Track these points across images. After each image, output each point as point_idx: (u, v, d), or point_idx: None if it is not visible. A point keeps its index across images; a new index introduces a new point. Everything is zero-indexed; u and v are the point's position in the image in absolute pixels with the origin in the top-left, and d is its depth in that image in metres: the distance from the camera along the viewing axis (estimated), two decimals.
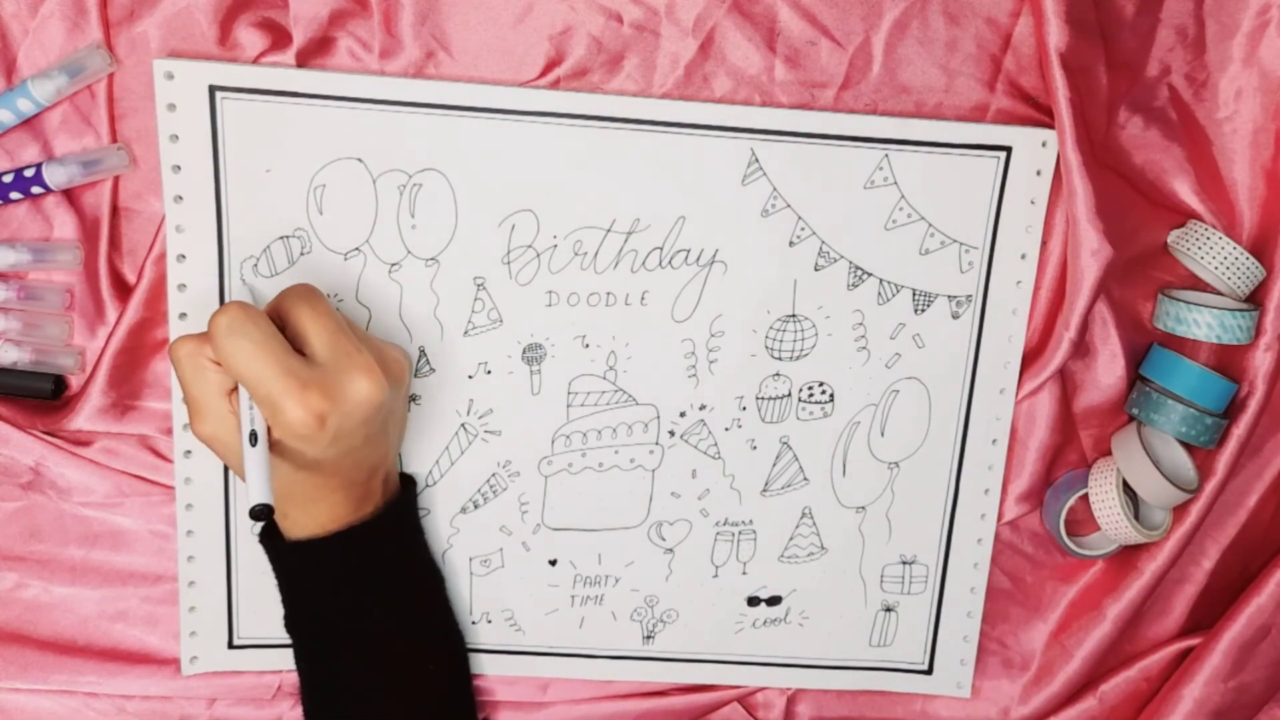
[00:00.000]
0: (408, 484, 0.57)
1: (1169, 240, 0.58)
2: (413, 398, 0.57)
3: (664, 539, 0.61)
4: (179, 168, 0.53)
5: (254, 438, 0.46)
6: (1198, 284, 0.59)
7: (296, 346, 0.48)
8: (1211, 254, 0.56)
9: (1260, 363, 0.57)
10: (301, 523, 0.52)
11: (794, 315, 0.58)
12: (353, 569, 0.53)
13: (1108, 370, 0.59)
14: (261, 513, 0.45)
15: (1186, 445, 0.60)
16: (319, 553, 0.52)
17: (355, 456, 0.50)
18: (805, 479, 0.60)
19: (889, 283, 0.57)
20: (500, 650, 0.62)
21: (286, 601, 0.55)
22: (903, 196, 0.56)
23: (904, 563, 0.62)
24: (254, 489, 0.45)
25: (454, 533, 0.59)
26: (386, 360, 0.51)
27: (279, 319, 0.49)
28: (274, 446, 0.47)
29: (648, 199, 0.55)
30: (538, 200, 0.55)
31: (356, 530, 0.52)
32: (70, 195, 0.54)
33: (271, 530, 0.54)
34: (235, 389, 0.48)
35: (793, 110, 0.55)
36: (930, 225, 0.57)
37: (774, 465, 0.60)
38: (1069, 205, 0.54)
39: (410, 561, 0.57)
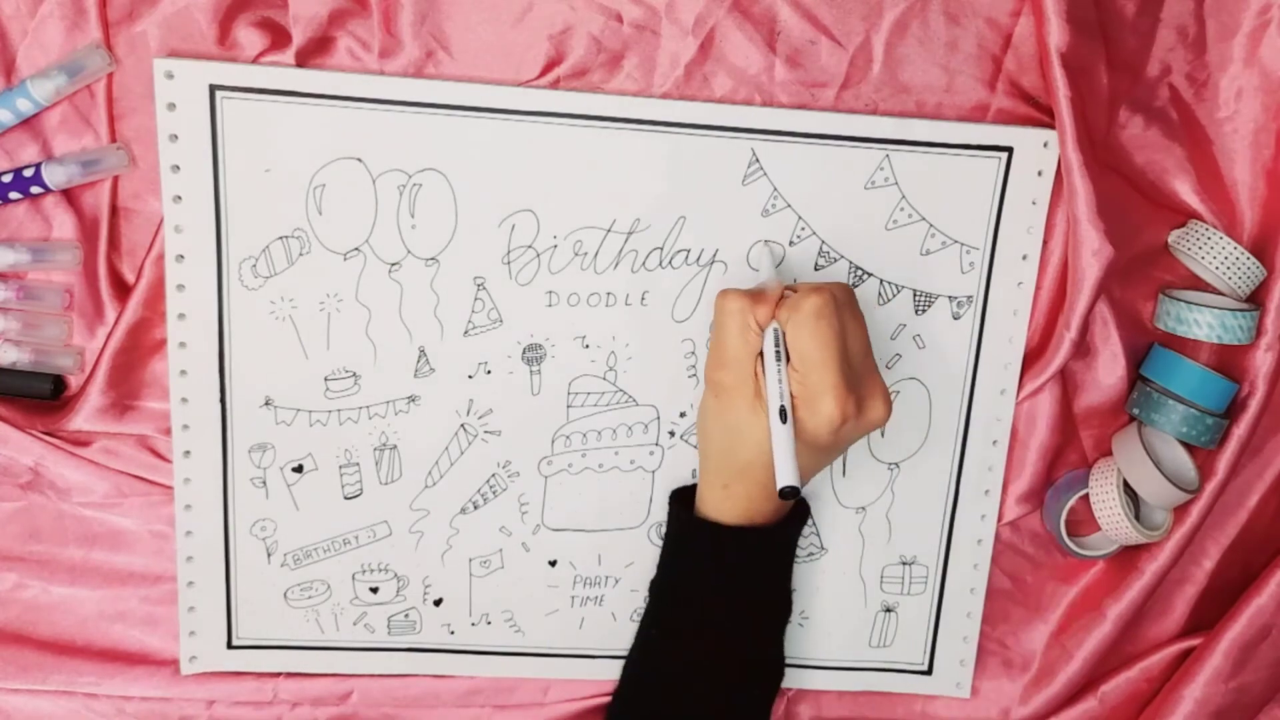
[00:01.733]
0: (804, 509, 0.58)
1: (1170, 240, 0.58)
2: (412, 398, 0.57)
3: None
4: (178, 167, 0.53)
5: (784, 414, 0.47)
6: (1198, 284, 0.59)
7: None
8: (1212, 254, 0.56)
9: (1261, 363, 0.57)
10: (722, 506, 0.53)
11: None
12: (732, 564, 0.54)
13: (1108, 370, 0.59)
14: (790, 494, 0.46)
15: (1187, 445, 0.60)
16: (718, 537, 0.53)
17: (817, 467, 0.52)
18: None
19: (890, 283, 0.57)
20: (500, 651, 0.62)
21: (664, 565, 0.57)
22: (904, 197, 0.56)
23: (904, 563, 0.62)
24: (783, 468, 0.46)
25: (454, 533, 0.59)
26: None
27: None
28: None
29: (648, 199, 0.55)
30: (538, 200, 0.55)
31: (759, 531, 0.53)
32: (69, 195, 0.54)
33: (682, 496, 0.57)
34: (761, 354, 0.49)
35: (793, 110, 0.55)
36: (931, 226, 0.57)
37: None
38: (1070, 205, 0.54)
39: (779, 582, 0.57)
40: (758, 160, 0.55)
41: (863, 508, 0.61)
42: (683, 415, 0.59)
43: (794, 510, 0.56)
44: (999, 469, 0.61)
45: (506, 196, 0.54)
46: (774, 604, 0.57)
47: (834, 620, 0.63)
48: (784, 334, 0.49)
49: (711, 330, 0.51)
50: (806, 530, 0.61)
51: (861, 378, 0.50)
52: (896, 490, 0.61)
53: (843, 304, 0.49)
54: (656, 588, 0.58)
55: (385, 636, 0.61)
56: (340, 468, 0.58)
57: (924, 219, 0.57)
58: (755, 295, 0.50)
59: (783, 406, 0.47)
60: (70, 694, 0.59)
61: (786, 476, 0.46)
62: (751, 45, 0.54)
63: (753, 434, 0.50)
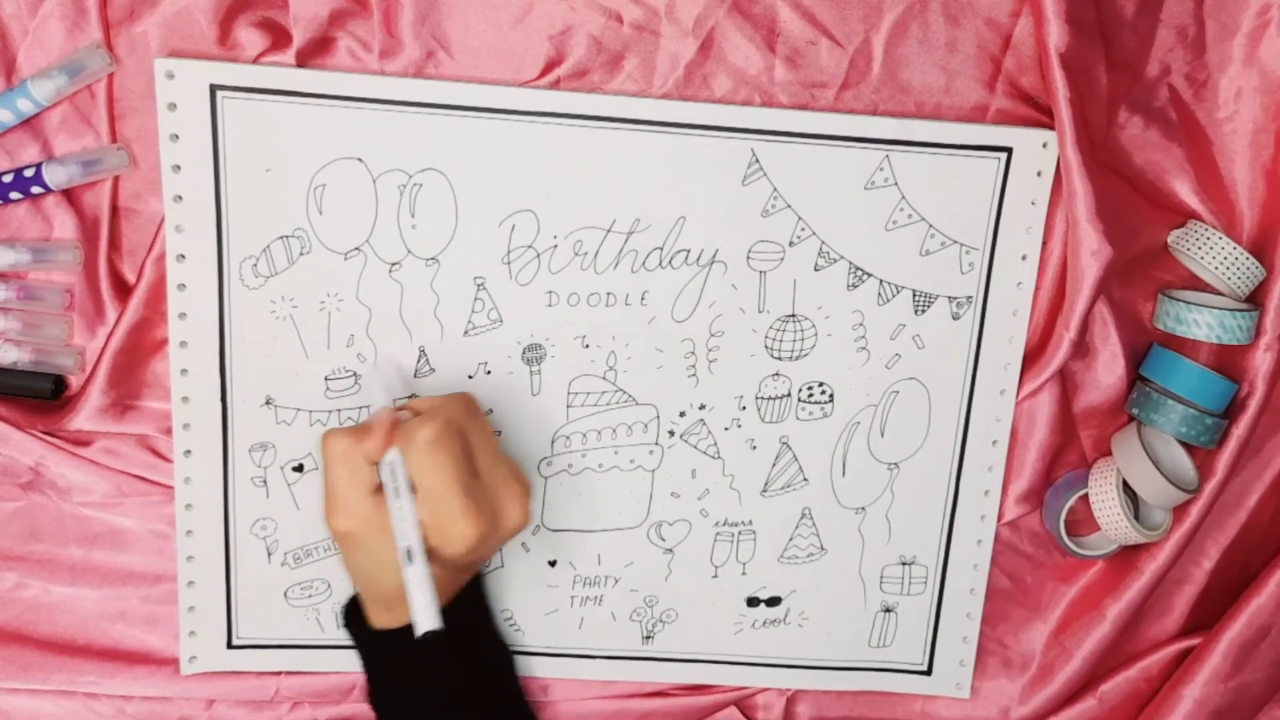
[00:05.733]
0: (477, 576, 0.57)
1: (1169, 240, 0.58)
2: (412, 398, 0.57)
3: (663, 539, 0.61)
4: (179, 167, 0.53)
5: (410, 555, 0.46)
6: (1198, 284, 0.59)
7: None
8: (1211, 254, 0.56)
9: (1260, 363, 0.57)
10: (391, 621, 0.51)
11: (794, 315, 0.58)
12: (428, 658, 0.52)
13: (1108, 370, 0.59)
14: (433, 639, 0.45)
15: (1186, 445, 0.60)
16: (402, 643, 0.51)
17: (474, 566, 0.53)
18: (805, 479, 0.60)
19: (889, 283, 0.57)
20: None
21: (370, 681, 0.55)
22: (903, 197, 0.56)
23: (903, 563, 0.62)
24: (421, 612, 0.45)
25: None
26: (524, 483, 0.51)
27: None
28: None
29: (648, 199, 0.55)
30: (538, 200, 0.55)
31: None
32: (70, 195, 0.54)
33: (353, 612, 0.54)
34: (380, 488, 0.48)
35: (793, 110, 0.55)
36: (931, 226, 0.57)
37: (773, 465, 0.60)
38: (1069, 205, 0.54)
39: (478, 647, 0.57)
40: (758, 160, 0.55)
41: (862, 508, 0.61)
42: (682, 415, 0.59)
43: (471, 581, 0.55)
44: (999, 469, 0.61)
45: (506, 196, 0.54)
46: (489, 663, 0.56)
47: (833, 620, 0.63)
48: (403, 461, 0.48)
49: (322, 477, 0.50)
50: (807, 531, 0.61)
51: (493, 488, 0.49)
52: (896, 490, 0.61)
53: (461, 419, 0.49)
54: (374, 701, 0.55)
55: None
56: None
57: (924, 219, 0.57)
58: (361, 431, 0.49)
59: (409, 548, 0.46)
60: (70, 694, 0.60)
61: (426, 621, 0.44)
62: (751, 46, 0.54)
63: (394, 562, 0.48)
